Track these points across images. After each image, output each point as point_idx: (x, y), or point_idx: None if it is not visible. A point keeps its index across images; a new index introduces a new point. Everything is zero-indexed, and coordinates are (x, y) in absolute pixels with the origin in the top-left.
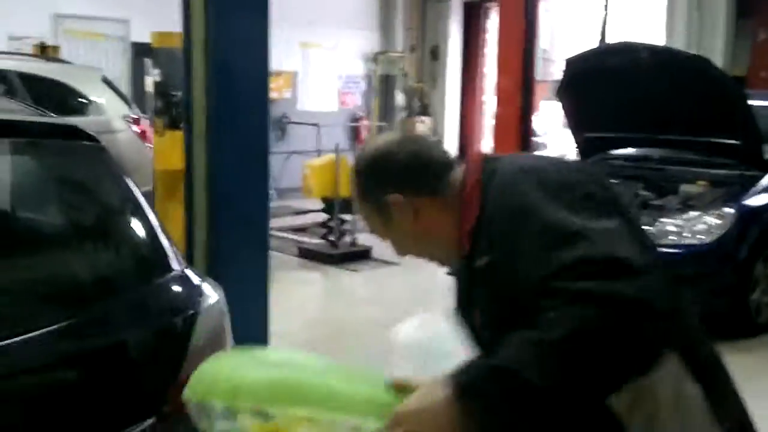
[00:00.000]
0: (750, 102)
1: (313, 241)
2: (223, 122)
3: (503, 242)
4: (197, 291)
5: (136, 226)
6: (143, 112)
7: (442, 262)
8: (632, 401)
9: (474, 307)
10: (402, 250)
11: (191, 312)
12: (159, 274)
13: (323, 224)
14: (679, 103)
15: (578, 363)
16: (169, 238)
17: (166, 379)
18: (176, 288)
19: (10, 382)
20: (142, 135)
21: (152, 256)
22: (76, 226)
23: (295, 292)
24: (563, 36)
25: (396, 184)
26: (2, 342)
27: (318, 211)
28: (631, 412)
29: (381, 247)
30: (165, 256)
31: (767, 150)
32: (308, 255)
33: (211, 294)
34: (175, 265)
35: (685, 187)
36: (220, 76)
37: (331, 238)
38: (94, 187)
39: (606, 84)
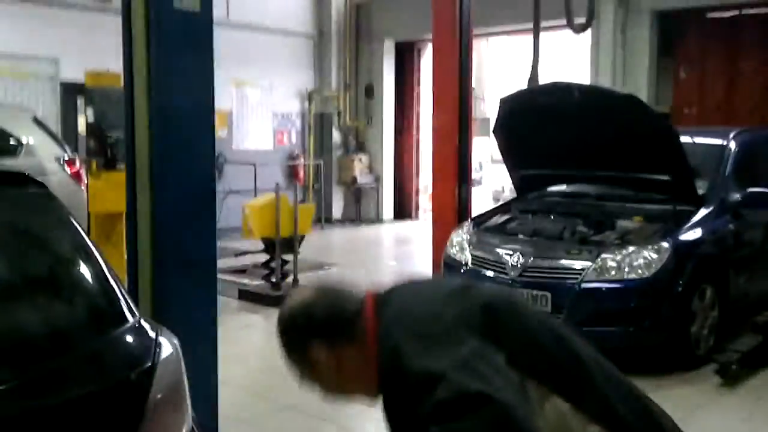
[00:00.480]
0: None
1: (254, 282)
2: (168, 162)
3: (388, 385)
4: (153, 342)
5: (89, 276)
6: (75, 152)
7: (370, 402)
8: None
9: None
10: (330, 396)
11: (148, 364)
12: (113, 326)
13: (264, 264)
14: (611, 140)
15: None
16: (121, 287)
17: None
18: (132, 340)
19: None
20: (76, 176)
21: (106, 307)
22: (25, 277)
23: (238, 337)
24: (490, 74)
25: (316, 336)
26: None
27: (257, 252)
28: None
29: None
30: (119, 306)
31: (699, 185)
32: (249, 297)
33: (168, 345)
34: (129, 315)
35: (622, 223)
36: (163, 116)
37: (273, 279)
38: (43, 236)
39: (540, 122)
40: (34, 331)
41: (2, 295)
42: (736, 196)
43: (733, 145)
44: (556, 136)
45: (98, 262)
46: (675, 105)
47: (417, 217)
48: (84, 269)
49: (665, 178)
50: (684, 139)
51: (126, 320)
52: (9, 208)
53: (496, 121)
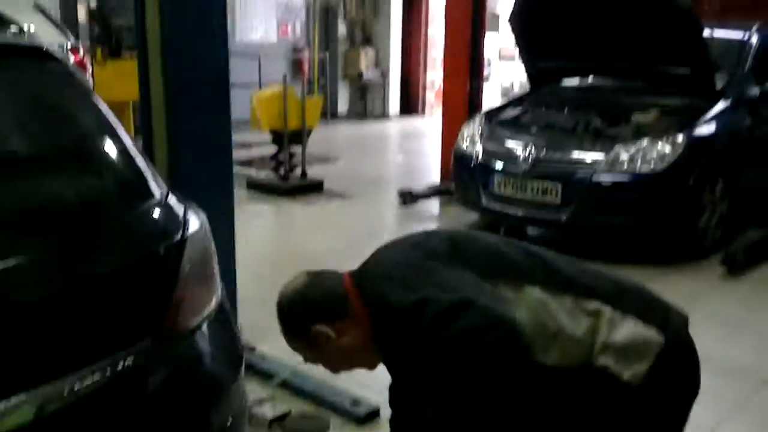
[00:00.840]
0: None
1: (262, 174)
2: (181, 47)
3: (386, 334)
4: (182, 216)
5: (114, 150)
6: (78, 40)
7: (371, 368)
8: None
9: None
10: (336, 368)
11: (179, 237)
12: (141, 199)
13: (273, 157)
14: (631, 31)
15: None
16: (147, 162)
17: (158, 304)
18: (160, 213)
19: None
20: (80, 65)
21: (134, 180)
22: (50, 149)
23: (248, 225)
24: None
25: (316, 318)
26: None
27: (264, 145)
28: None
29: (332, 180)
30: (146, 180)
31: (718, 79)
32: (258, 188)
33: (196, 219)
34: (157, 189)
35: (637, 116)
36: (176, 1)
37: (281, 171)
38: (66, 110)
39: (557, 12)
40: (64, 202)
41: (28, 167)
42: (755, 91)
43: (754, 39)
44: (573, 26)
45: (122, 137)
46: None
47: (424, 112)
48: (109, 143)
49: (684, 71)
50: (704, 32)
51: (153, 194)
52: (30, 81)
53: (513, 9)
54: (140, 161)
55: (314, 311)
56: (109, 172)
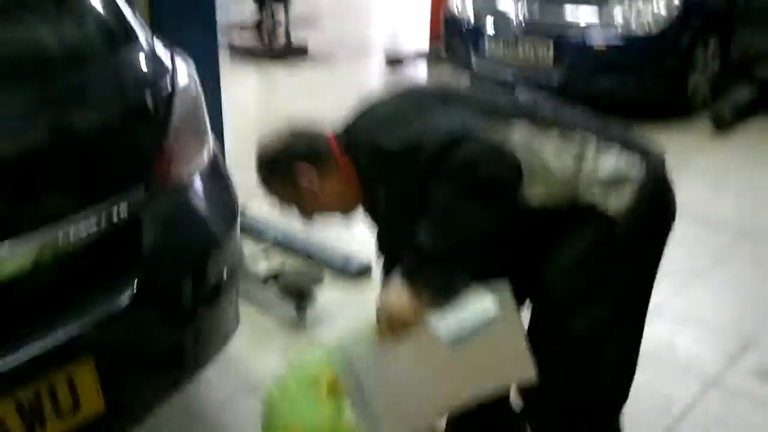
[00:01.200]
0: None
1: (245, 38)
2: None
3: (382, 179)
4: (170, 63)
5: None
6: None
7: (345, 215)
8: (545, 189)
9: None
10: (311, 213)
11: (168, 84)
12: (126, 45)
13: (257, 25)
14: None
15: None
16: (132, 6)
17: (149, 153)
18: (148, 59)
19: None
20: None
21: (117, 25)
22: None
23: (234, 89)
24: None
25: (299, 156)
26: None
27: (245, 5)
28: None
29: (317, 44)
30: (130, 24)
31: None
32: (241, 52)
33: (184, 67)
34: (142, 35)
35: None
36: None
37: (264, 35)
38: None
39: None
40: (45, 44)
41: (12, 10)
42: None
43: None
44: None
45: None
46: None
47: None
48: None
49: None
50: None
51: (139, 39)
52: None
53: None
54: (125, 7)
55: (298, 151)
56: (93, 18)
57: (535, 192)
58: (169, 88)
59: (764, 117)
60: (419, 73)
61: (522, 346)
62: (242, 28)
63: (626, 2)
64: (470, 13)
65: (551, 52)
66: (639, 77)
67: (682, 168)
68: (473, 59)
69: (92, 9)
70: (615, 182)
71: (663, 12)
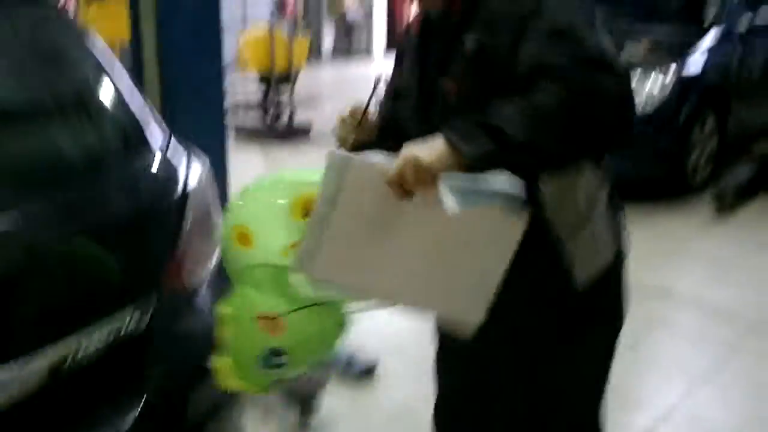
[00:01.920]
0: None
1: (249, 118)
2: None
3: (502, 29)
4: (186, 165)
5: (114, 99)
6: None
7: (432, 5)
8: (557, 192)
9: (446, 76)
10: None
11: (181, 191)
12: (143, 149)
13: (260, 103)
14: None
15: (553, 128)
16: (150, 107)
17: (161, 260)
18: (162, 165)
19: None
20: (64, 9)
21: (134, 130)
22: (53, 98)
23: (238, 171)
24: None
25: None
26: None
27: (250, 88)
28: (554, 204)
29: (320, 124)
30: (148, 129)
31: (708, 10)
32: (246, 133)
33: (199, 167)
34: (159, 136)
35: (628, 47)
36: None
37: (269, 115)
38: (64, 57)
39: None
40: (65, 154)
41: (30, 115)
42: (744, 23)
43: None
44: None
45: (123, 82)
46: None
47: None
48: (109, 91)
49: (675, 1)
50: None
51: (155, 143)
52: (27, 27)
53: None
54: (141, 108)
55: None
56: (109, 122)
57: (548, 192)
58: (182, 194)
59: (766, 197)
60: None
61: (498, 272)
62: (247, 107)
63: None
64: None
65: None
66: (635, 157)
67: (683, 253)
68: None
69: (110, 115)
70: (595, 248)
71: (656, 92)
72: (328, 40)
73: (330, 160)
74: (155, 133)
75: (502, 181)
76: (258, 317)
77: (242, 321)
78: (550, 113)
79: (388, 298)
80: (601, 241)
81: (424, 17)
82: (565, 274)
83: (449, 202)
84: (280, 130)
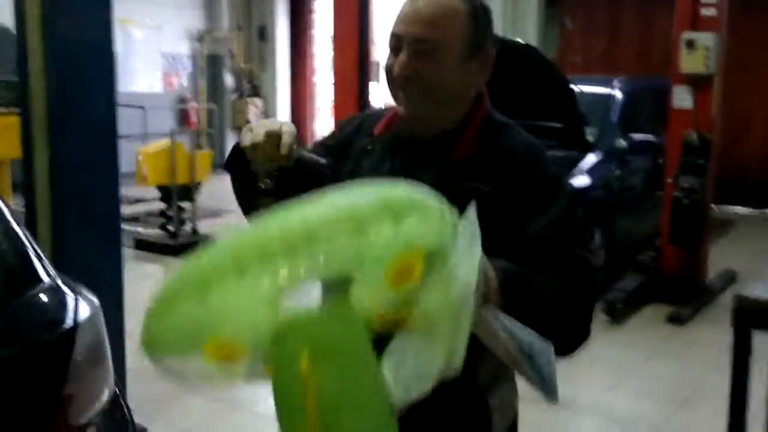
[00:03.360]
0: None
1: (150, 231)
2: (67, 107)
3: (517, 192)
4: (72, 302)
5: None
6: None
7: (420, 125)
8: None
9: None
10: (427, 92)
11: (69, 326)
12: (29, 286)
13: (161, 213)
14: (508, 87)
15: (567, 321)
16: (34, 244)
17: (48, 399)
18: (50, 300)
19: None
20: None
21: (20, 266)
22: None
23: (137, 288)
24: (381, 17)
25: (493, 40)
26: None
27: (152, 200)
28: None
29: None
30: (33, 264)
31: (587, 132)
32: (146, 247)
33: (87, 304)
34: (44, 274)
35: None
36: (61, 57)
37: (170, 227)
38: None
39: None
40: None
41: None
42: (622, 142)
43: (618, 93)
44: None
45: (6, 216)
46: (560, 53)
47: None
48: None
49: (557, 125)
50: (571, 87)
51: (41, 279)
52: None
53: None
54: (27, 244)
55: (490, 36)
56: None
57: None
58: (70, 331)
59: (655, 304)
60: None
61: None
62: (147, 218)
63: None
64: None
65: None
66: None
67: (581, 362)
68: None
69: None
70: (510, 401)
71: None
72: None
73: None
74: (41, 269)
75: (547, 362)
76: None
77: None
78: (569, 307)
79: None
80: (514, 392)
81: (400, 129)
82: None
83: (510, 339)
84: (182, 242)
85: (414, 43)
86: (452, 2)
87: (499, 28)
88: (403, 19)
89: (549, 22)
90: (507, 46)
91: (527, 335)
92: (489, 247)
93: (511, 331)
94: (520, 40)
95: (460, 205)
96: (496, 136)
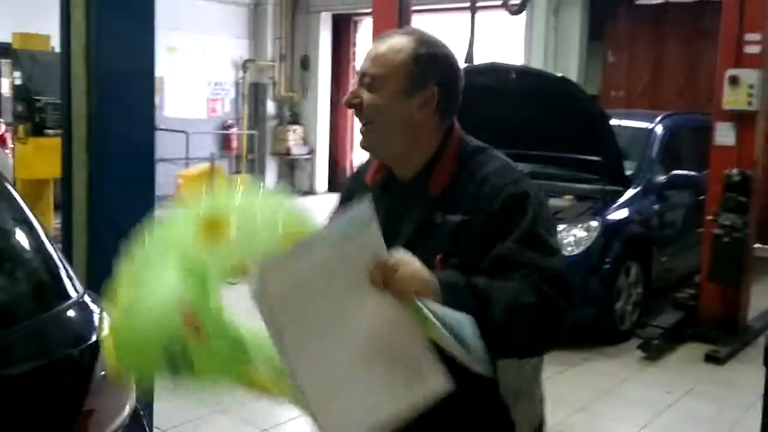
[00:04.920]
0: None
1: None
2: (107, 129)
3: (490, 213)
4: (98, 318)
5: (31, 249)
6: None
7: (374, 152)
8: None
9: (426, 249)
10: (374, 123)
11: (93, 341)
12: (57, 301)
13: None
14: (544, 121)
15: (526, 326)
16: (63, 260)
17: (69, 412)
18: (76, 315)
19: None
20: (1, 142)
21: (50, 282)
22: None
23: None
24: None
25: (442, 83)
26: None
27: None
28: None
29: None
30: (63, 280)
31: (626, 167)
32: None
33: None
34: (73, 290)
35: (552, 201)
36: (102, 82)
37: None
38: None
39: (473, 101)
40: None
41: None
42: (661, 177)
43: (659, 129)
44: (489, 115)
45: (40, 234)
46: (603, 88)
47: None
48: (26, 242)
49: (595, 158)
50: (613, 122)
51: (69, 295)
52: None
53: None
54: (57, 260)
55: (444, 75)
56: (24, 273)
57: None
58: (93, 345)
59: (692, 342)
60: None
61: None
62: None
63: None
64: None
65: None
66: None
67: (613, 397)
68: None
69: (29, 267)
70: (533, 410)
71: (584, 234)
72: (271, 178)
73: (363, 208)
74: (69, 285)
75: (471, 334)
76: (183, 312)
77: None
78: (527, 314)
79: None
80: (537, 401)
81: (386, 174)
82: None
83: (432, 321)
84: None
85: (363, 77)
86: (400, 45)
87: (540, 62)
88: (364, 58)
89: (592, 57)
90: (543, 79)
91: (452, 315)
92: (472, 269)
93: (438, 314)
94: (558, 74)
95: (440, 236)
96: (471, 164)
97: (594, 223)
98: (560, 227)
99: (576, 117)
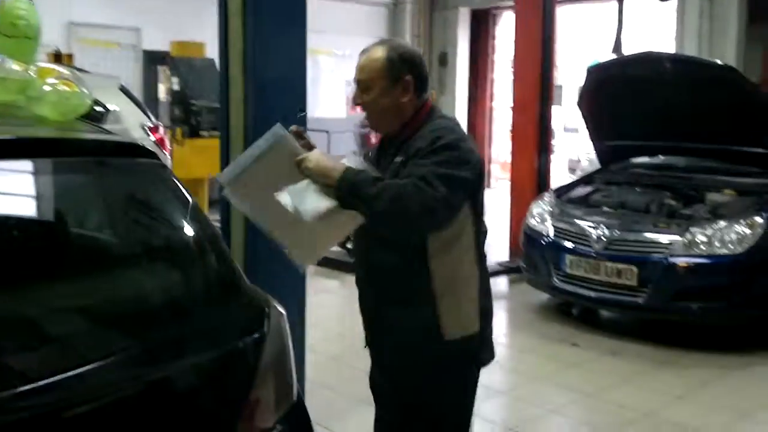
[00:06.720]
0: None
1: (335, 250)
2: (261, 133)
3: (418, 150)
4: (264, 311)
5: (205, 247)
6: (157, 120)
7: (378, 130)
8: (440, 247)
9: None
10: (374, 112)
11: (259, 334)
12: (228, 295)
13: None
14: (703, 111)
15: (401, 211)
16: (230, 257)
17: (237, 401)
18: (244, 308)
19: (83, 409)
20: (160, 143)
21: (221, 277)
22: (143, 248)
23: (316, 302)
24: (563, 41)
25: (412, 72)
26: (76, 370)
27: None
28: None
29: None
30: (233, 276)
31: None
32: (326, 262)
33: (276, 315)
34: (242, 285)
35: (711, 196)
36: (258, 89)
37: (349, 245)
38: (158, 207)
39: (628, 93)
40: (153, 300)
41: (123, 264)
42: None
43: None
44: (644, 107)
45: (213, 233)
46: (764, 76)
47: (490, 185)
48: (200, 240)
49: (759, 150)
50: None
51: (239, 289)
52: (124, 178)
53: (581, 91)
54: (228, 257)
55: (416, 67)
56: (198, 269)
57: (434, 246)
58: (260, 338)
59: None
60: (500, 286)
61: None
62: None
63: (708, 222)
64: (550, 229)
65: (635, 272)
66: (729, 301)
67: None
68: (553, 276)
69: (204, 265)
70: (459, 318)
71: (747, 231)
72: None
73: (275, 129)
74: (239, 281)
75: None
76: None
77: None
78: (401, 203)
79: (265, 223)
80: (465, 316)
81: (384, 136)
82: (437, 326)
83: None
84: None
85: (359, 84)
86: (376, 55)
87: (694, 48)
88: (355, 69)
89: (750, 42)
90: (703, 68)
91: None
92: None
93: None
94: (720, 62)
95: (394, 170)
96: (429, 126)
97: (759, 219)
98: (720, 223)
99: (739, 107)
